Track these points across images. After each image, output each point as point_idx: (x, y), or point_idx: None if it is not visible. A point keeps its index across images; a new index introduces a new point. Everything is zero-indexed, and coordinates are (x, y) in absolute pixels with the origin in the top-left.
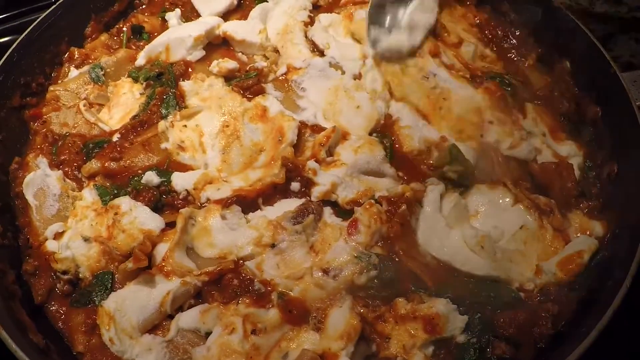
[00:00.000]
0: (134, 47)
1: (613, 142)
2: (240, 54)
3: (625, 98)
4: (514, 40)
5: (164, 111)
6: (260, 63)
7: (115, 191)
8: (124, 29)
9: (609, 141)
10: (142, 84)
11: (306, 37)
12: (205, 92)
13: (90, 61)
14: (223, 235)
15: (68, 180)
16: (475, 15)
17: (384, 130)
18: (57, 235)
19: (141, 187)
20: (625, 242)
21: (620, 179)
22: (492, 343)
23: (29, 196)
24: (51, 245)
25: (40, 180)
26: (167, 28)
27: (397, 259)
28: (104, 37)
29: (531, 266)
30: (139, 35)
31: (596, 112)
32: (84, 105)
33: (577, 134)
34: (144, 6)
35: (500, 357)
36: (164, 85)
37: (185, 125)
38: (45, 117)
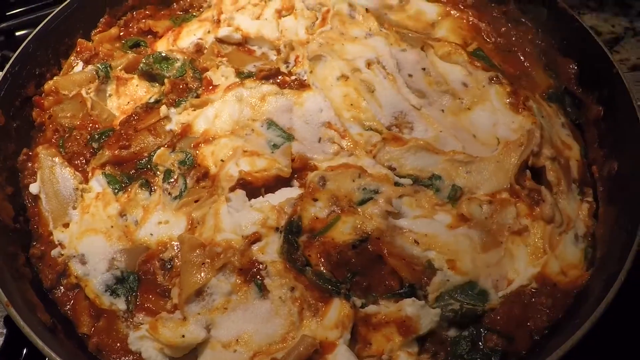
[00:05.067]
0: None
1: (614, 141)
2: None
3: (627, 98)
4: (519, 40)
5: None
6: (273, 58)
7: (125, 179)
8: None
9: (610, 140)
10: (150, 82)
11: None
12: (217, 82)
13: (100, 59)
14: (228, 217)
15: (77, 173)
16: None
17: None
18: (65, 225)
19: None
20: (622, 237)
21: (620, 177)
22: (484, 336)
23: (38, 187)
24: (58, 236)
25: (49, 173)
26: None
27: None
28: (114, 30)
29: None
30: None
31: (599, 112)
32: (87, 95)
33: (579, 132)
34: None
35: (493, 349)
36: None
37: (194, 110)
38: (50, 110)
